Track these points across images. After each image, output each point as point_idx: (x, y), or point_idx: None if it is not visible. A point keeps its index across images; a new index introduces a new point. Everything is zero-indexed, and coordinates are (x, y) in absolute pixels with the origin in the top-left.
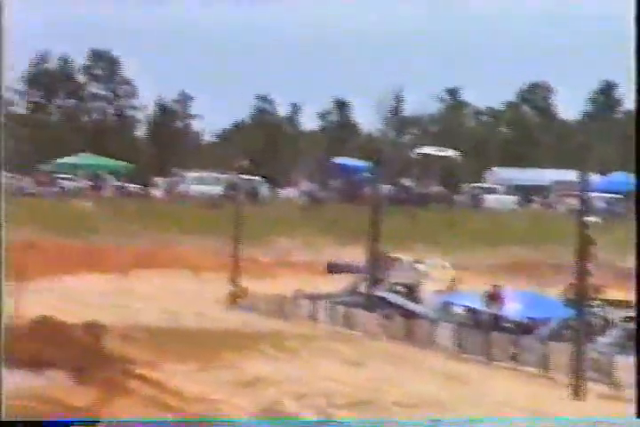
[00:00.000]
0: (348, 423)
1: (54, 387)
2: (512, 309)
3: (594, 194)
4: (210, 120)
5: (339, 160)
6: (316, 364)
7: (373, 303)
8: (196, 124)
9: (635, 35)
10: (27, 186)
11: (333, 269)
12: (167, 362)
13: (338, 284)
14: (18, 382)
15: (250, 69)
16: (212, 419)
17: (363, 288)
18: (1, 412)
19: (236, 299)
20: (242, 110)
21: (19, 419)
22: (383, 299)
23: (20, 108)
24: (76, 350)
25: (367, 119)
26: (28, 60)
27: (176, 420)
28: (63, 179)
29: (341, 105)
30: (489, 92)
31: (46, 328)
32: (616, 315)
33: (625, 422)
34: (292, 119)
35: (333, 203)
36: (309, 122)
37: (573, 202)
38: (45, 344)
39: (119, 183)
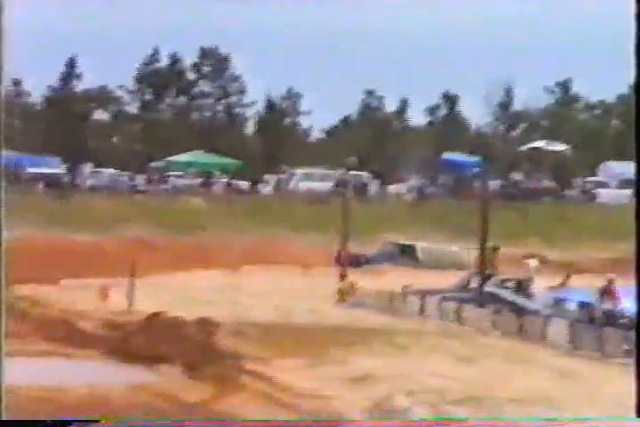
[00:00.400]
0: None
1: (168, 382)
2: (626, 304)
3: None
4: (318, 117)
5: (447, 155)
6: (426, 360)
7: (484, 299)
8: (304, 121)
9: (635, 35)
10: (139, 184)
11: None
12: (278, 358)
13: (447, 280)
14: (133, 377)
15: (357, 65)
16: (211, 419)
17: (473, 284)
18: (1, 412)
19: (345, 295)
20: (350, 106)
21: (22, 418)
22: (494, 295)
23: (132, 107)
24: (189, 345)
25: (476, 114)
26: (139, 60)
27: (176, 420)
28: (174, 176)
29: (450, 99)
30: (600, 84)
31: (160, 324)
32: None
33: (625, 422)
34: (400, 114)
35: (442, 199)
36: (418, 117)
37: None
38: (159, 340)
39: (229, 180)
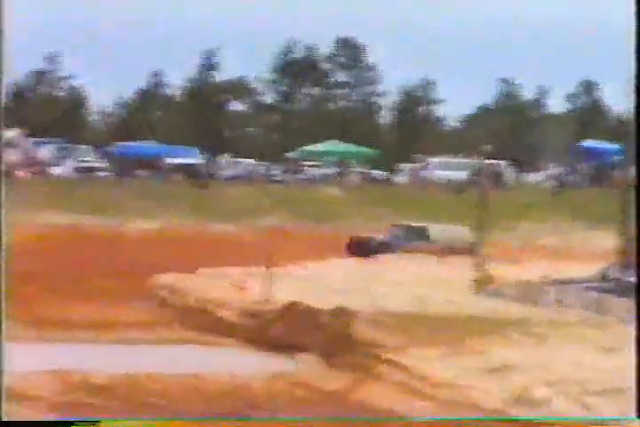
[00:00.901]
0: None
1: (306, 371)
2: None
3: None
4: (453, 105)
5: (587, 143)
6: (565, 350)
7: (625, 289)
8: (439, 110)
9: (635, 35)
10: (275, 173)
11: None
12: (415, 347)
13: (587, 269)
14: (271, 365)
15: (494, 53)
16: (211, 418)
17: (614, 273)
18: (1, 412)
19: (482, 284)
20: (486, 94)
21: (25, 419)
22: (635, 284)
23: (269, 98)
24: (326, 334)
25: (617, 101)
26: (276, 51)
27: (176, 419)
28: (310, 166)
29: (590, 87)
30: None
31: (297, 313)
32: None
33: (625, 422)
34: (538, 102)
35: (582, 187)
36: (557, 105)
37: None
38: (296, 329)
39: (364, 170)
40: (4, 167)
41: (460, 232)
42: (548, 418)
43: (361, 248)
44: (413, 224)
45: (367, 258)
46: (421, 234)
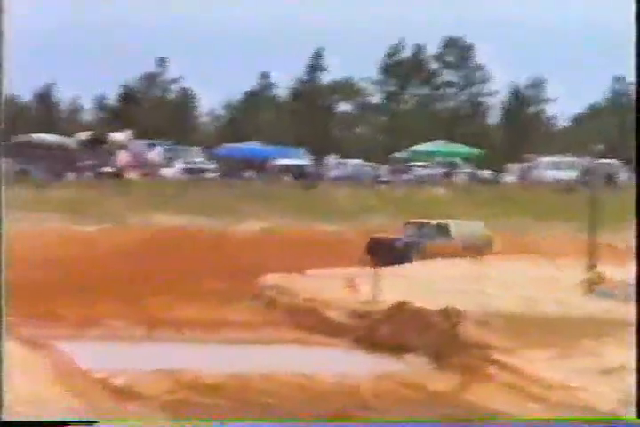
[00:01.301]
0: None
1: (414, 371)
2: None
3: None
4: (564, 104)
5: None
6: None
7: None
8: (549, 109)
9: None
10: (382, 174)
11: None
12: (525, 349)
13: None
14: (380, 365)
15: (604, 50)
16: (207, 420)
17: None
18: (1, 412)
19: (593, 285)
20: (597, 93)
21: (24, 419)
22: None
23: (376, 98)
24: (434, 335)
25: None
26: (383, 51)
27: (174, 420)
28: (417, 166)
29: None
30: None
31: (404, 314)
32: None
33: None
34: None
35: None
36: None
37: None
38: (404, 329)
39: (471, 170)
40: (114, 169)
41: (477, 227)
42: (548, 418)
43: (385, 250)
44: (431, 221)
45: (394, 264)
46: (443, 231)
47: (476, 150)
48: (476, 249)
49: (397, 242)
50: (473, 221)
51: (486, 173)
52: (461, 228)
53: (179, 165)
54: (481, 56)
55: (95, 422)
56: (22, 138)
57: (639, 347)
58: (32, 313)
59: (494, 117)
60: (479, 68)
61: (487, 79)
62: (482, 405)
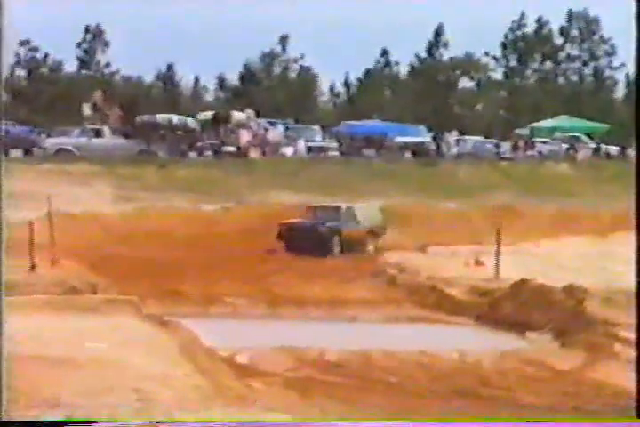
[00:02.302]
0: None
1: (538, 349)
2: None
3: None
4: None
5: None
6: None
7: None
8: None
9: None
10: (504, 150)
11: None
12: None
13: None
14: (502, 343)
15: None
16: (207, 420)
17: None
18: (1, 412)
19: None
20: None
21: (22, 419)
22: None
23: (497, 74)
24: (558, 313)
25: None
26: (505, 26)
27: (172, 420)
28: (540, 142)
29: None
30: None
31: (527, 291)
32: None
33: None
34: None
35: None
36: None
37: None
38: (527, 307)
39: (597, 145)
40: (235, 148)
41: (375, 210)
42: (548, 418)
43: (302, 236)
44: (332, 205)
45: (315, 251)
46: (352, 215)
47: (600, 125)
48: (376, 234)
49: (320, 227)
50: (370, 203)
51: (613, 148)
52: (363, 211)
53: (299, 144)
54: (607, 29)
55: (95, 421)
56: (146, 118)
57: (639, 347)
58: (157, 291)
59: (620, 93)
60: (605, 41)
61: (613, 52)
62: (608, 382)
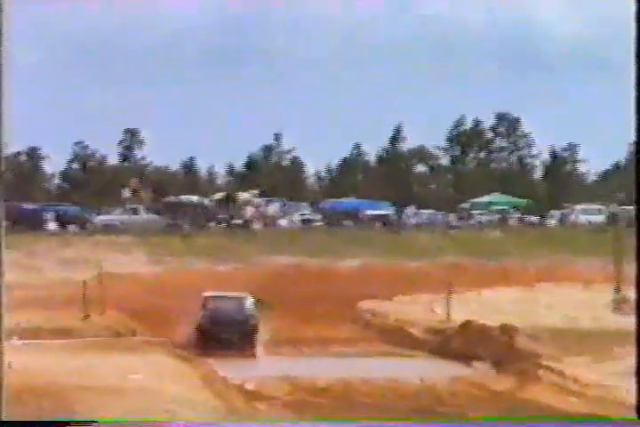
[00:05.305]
0: None
1: (480, 375)
2: None
3: None
4: (593, 163)
5: None
6: None
7: None
8: (582, 167)
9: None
10: (451, 221)
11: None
12: (568, 356)
13: None
14: (453, 371)
15: (623, 119)
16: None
17: None
18: (1, 412)
19: (620, 304)
20: (618, 154)
21: (22, 419)
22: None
23: (445, 161)
24: (495, 346)
25: None
26: (448, 125)
27: (170, 420)
28: (478, 214)
29: None
30: None
31: (471, 330)
32: None
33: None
34: None
35: None
36: None
37: None
38: (471, 342)
39: (521, 216)
40: (242, 221)
41: (251, 305)
42: (549, 418)
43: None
44: (229, 295)
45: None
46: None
47: (524, 200)
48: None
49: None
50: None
51: (533, 218)
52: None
53: (292, 217)
54: (526, 126)
55: (95, 422)
56: (172, 199)
57: (639, 346)
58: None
59: (538, 174)
60: (525, 135)
61: (531, 144)
62: (534, 400)
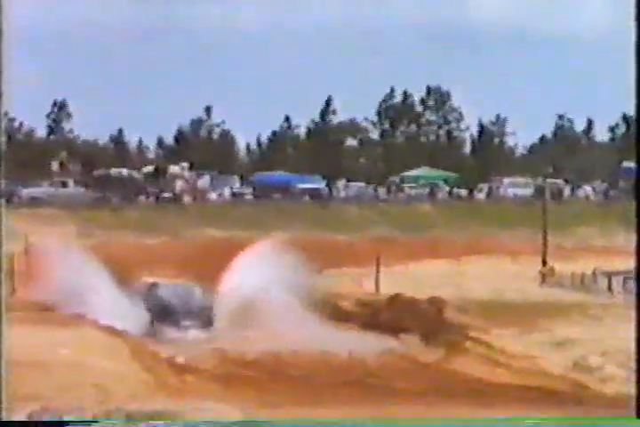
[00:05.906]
0: None
1: (409, 348)
2: None
3: None
4: (521, 136)
5: (626, 164)
6: (616, 327)
7: None
8: (510, 141)
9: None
10: (381, 194)
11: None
12: (494, 328)
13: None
14: (382, 343)
15: (550, 92)
16: (202, 419)
17: None
18: (1, 412)
19: (546, 277)
20: (546, 127)
21: (19, 418)
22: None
23: (374, 135)
24: (424, 319)
25: None
26: (379, 98)
27: (169, 421)
28: (408, 187)
29: (627, 120)
30: None
31: (400, 303)
32: None
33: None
34: (587, 133)
35: (623, 200)
36: (602, 135)
37: None
38: (400, 315)
39: (450, 189)
40: (172, 194)
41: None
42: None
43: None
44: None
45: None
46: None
47: (453, 174)
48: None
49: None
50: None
51: (462, 191)
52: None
53: (222, 191)
54: (455, 100)
55: (95, 422)
56: (101, 172)
57: (639, 347)
58: None
59: (467, 148)
60: (454, 109)
61: (460, 118)
62: (462, 371)
